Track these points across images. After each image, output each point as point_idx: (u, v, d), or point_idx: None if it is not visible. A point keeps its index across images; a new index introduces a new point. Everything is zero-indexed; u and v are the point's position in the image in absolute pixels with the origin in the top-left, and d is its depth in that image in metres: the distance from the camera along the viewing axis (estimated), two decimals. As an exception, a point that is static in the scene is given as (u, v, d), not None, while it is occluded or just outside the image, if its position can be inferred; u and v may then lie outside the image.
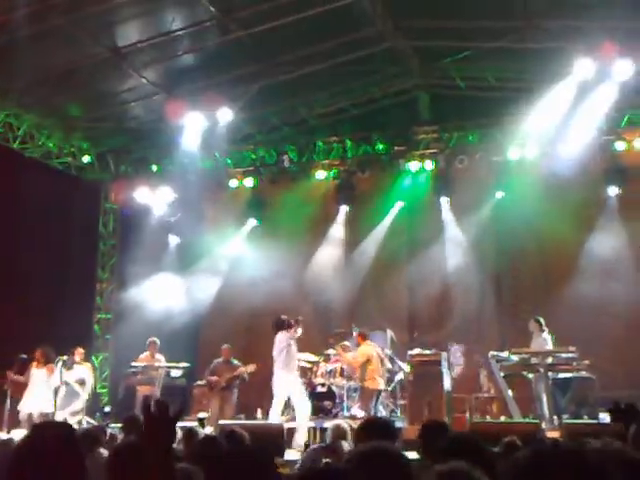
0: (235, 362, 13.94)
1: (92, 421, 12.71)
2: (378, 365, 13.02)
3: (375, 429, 4.87)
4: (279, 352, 12.18)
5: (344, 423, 7.57)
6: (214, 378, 13.64)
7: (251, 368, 13.73)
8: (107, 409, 14.45)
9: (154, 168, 17.78)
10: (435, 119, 16.44)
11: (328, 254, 16.85)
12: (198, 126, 15.13)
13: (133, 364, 14.06)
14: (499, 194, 15.71)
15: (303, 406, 12.01)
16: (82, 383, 13.00)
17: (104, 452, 7.05)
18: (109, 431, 10.50)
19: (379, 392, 13.03)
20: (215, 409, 13.32)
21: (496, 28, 13.37)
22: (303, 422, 11.81)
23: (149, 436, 2.71)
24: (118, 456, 4.13)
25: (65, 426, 3.45)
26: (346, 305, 16.09)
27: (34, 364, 12.89)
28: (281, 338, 12.26)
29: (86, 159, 17.11)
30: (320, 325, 15.37)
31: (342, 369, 13.72)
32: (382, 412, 13.12)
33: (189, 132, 15.29)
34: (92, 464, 6.88)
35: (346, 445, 6.68)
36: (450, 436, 4.45)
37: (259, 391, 15.05)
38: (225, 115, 14.90)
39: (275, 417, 11.83)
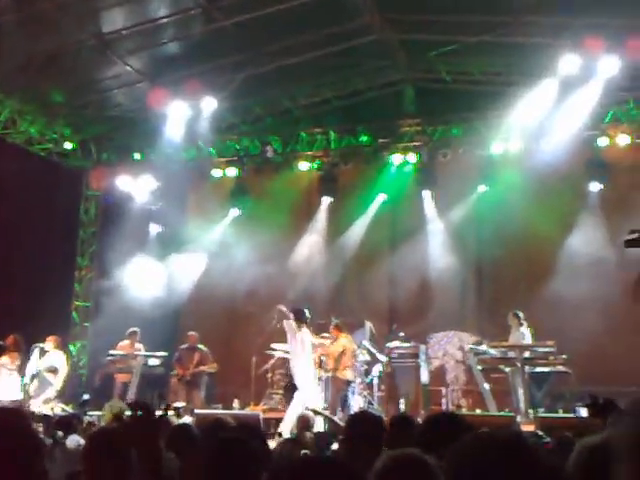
0: (200, 347, 14.01)
1: (67, 408, 12.65)
2: (351, 358, 13.01)
3: (365, 424, 4.81)
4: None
5: (310, 413, 7.60)
6: (180, 371, 13.74)
7: (212, 369, 13.84)
8: (85, 397, 14.42)
9: (137, 156, 17.70)
10: (420, 112, 16.43)
11: (310, 245, 16.84)
12: (182, 115, 15.08)
13: (111, 352, 14.05)
14: (482, 188, 15.73)
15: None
16: (54, 371, 12.95)
17: (79, 439, 7.06)
18: (87, 418, 10.49)
19: (349, 383, 13.02)
20: (183, 400, 13.36)
21: (482, 22, 13.38)
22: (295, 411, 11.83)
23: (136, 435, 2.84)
24: (93, 443, 4.12)
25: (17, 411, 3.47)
26: (327, 296, 16.09)
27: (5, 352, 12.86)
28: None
29: (68, 146, 16.96)
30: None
31: (320, 360, 13.71)
32: (360, 403, 13.11)
33: (172, 121, 15.23)
34: (65, 450, 6.88)
35: (309, 435, 6.70)
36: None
37: (237, 381, 15.09)
38: (209, 104, 14.87)
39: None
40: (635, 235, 8.48)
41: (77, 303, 17.61)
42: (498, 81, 15.36)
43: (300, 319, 12.30)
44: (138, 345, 14.32)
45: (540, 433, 6.29)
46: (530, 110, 14.44)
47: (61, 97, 15.42)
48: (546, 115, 14.48)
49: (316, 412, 8.74)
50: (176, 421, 8.62)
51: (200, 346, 14.11)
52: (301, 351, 12.13)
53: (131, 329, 14.40)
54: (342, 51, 14.52)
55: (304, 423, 7.33)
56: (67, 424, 8.05)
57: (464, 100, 15.64)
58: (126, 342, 14.32)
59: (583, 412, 8.91)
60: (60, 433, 7.44)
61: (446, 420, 4.07)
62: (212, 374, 14.46)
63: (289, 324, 12.23)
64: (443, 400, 13.60)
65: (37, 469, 2.89)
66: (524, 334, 12.77)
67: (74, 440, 7.12)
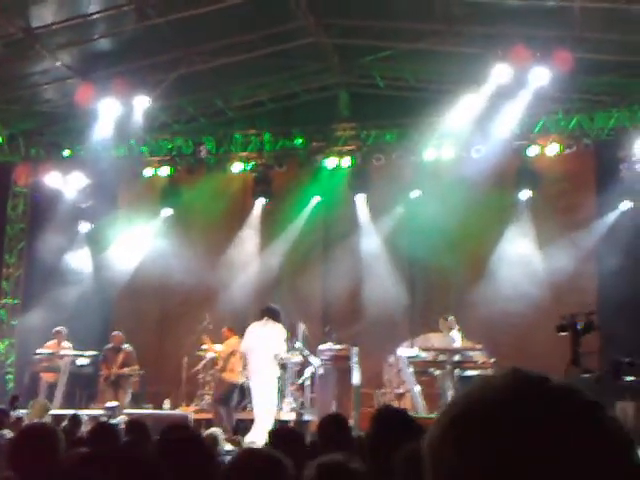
0: (125, 347, 13.81)
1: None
2: (240, 360, 12.86)
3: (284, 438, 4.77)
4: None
5: (217, 431, 7.44)
6: (106, 372, 13.54)
7: (132, 372, 13.67)
8: (15, 393, 14.12)
9: (66, 153, 17.33)
10: (354, 117, 16.51)
11: (243, 247, 16.74)
12: (113, 112, 14.78)
13: (38, 351, 13.76)
14: (415, 194, 15.86)
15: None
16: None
17: (7, 432, 7.01)
18: (15, 414, 10.32)
19: (235, 386, 12.90)
20: (111, 400, 13.14)
21: (417, 30, 13.57)
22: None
23: None
24: (21, 438, 4.07)
25: None
26: (260, 298, 16.00)
27: None
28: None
29: (-5, 141, 16.56)
30: (233, 317, 15.28)
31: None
32: (292, 405, 13.05)
33: (103, 118, 14.93)
34: None
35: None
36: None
37: (168, 381, 14.92)
38: (141, 102, 14.62)
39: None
40: (564, 321, 8.89)
41: (4, 300, 17.19)
42: (431, 88, 15.56)
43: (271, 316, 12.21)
44: (66, 344, 14.08)
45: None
46: (462, 118, 14.64)
47: (-12, 92, 15.03)
48: (478, 123, 14.71)
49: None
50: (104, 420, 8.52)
51: (125, 346, 13.89)
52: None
53: (56, 328, 14.14)
54: (277, 53, 14.48)
55: (210, 443, 7.03)
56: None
57: (398, 106, 15.80)
58: (53, 342, 14.06)
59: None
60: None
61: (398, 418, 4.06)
62: (143, 374, 14.27)
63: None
64: (375, 402, 13.65)
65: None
66: (454, 338, 12.94)
67: (3, 435, 7.09)
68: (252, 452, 2.86)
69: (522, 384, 1.04)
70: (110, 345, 13.88)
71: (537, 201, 15.30)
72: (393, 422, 3.94)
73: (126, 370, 13.68)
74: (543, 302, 14.24)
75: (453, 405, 1.08)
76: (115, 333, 14.02)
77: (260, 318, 12.24)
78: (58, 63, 14.16)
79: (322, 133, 16.52)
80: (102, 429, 5.97)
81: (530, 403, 1.01)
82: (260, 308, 12.57)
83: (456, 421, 1.04)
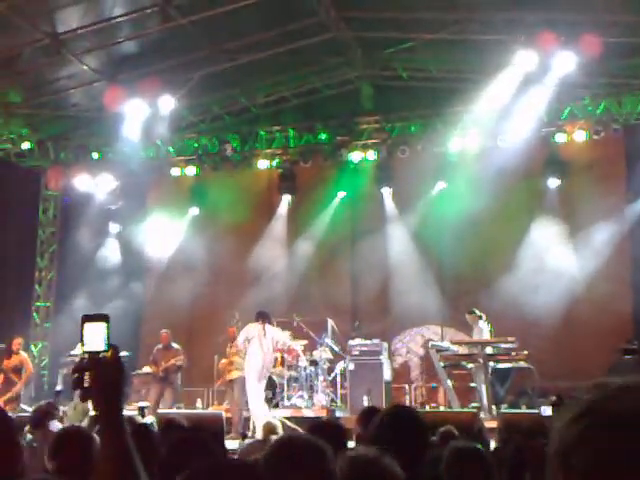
0: (174, 346, 13.90)
1: (28, 408, 12.54)
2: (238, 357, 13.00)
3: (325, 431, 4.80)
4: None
5: (274, 419, 7.63)
6: (153, 368, 13.65)
7: (179, 361, 13.72)
8: (58, 388, 14.31)
9: (95, 155, 17.52)
10: (378, 109, 16.47)
11: (270, 243, 16.82)
12: (139, 114, 14.94)
13: (71, 353, 13.92)
14: (441, 185, 15.81)
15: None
16: (18, 372, 12.92)
17: (59, 424, 7.11)
18: (61, 408, 10.50)
19: (232, 382, 13.01)
20: (152, 398, 13.25)
21: (438, 19, 13.46)
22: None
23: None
24: (61, 439, 4.14)
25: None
26: (289, 294, 16.10)
27: None
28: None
29: (26, 146, 16.73)
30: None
31: (283, 358, 13.69)
32: (323, 402, 13.11)
33: (130, 120, 15.09)
34: (44, 436, 6.92)
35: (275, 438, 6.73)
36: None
37: (199, 380, 15.05)
38: (167, 103, 14.74)
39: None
40: (633, 345, 8.78)
41: (38, 304, 17.45)
42: (455, 78, 15.47)
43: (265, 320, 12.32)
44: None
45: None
46: (487, 107, 14.52)
47: (18, 97, 15.21)
48: (503, 112, 14.58)
49: (282, 422, 8.74)
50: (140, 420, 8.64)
51: (173, 344, 13.97)
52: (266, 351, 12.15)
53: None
54: (299, 49, 14.50)
55: (269, 428, 7.38)
56: (45, 412, 8.10)
57: (421, 97, 15.73)
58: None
59: (547, 410, 9.07)
60: (29, 435, 7.45)
61: (404, 415, 4.06)
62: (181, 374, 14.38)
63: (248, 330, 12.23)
64: (406, 397, 13.68)
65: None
66: (483, 329, 12.86)
67: (56, 425, 7.16)
68: (291, 438, 2.86)
69: None
70: (160, 345, 13.93)
71: (566, 189, 15.17)
72: (394, 422, 3.93)
73: (172, 360, 13.73)
74: (574, 291, 14.16)
75: (594, 412, 1.10)
76: (163, 332, 14.02)
77: (256, 320, 12.32)
78: (84, 67, 14.30)
79: (346, 127, 16.50)
80: (139, 430, 6.03)
81: None
82: (257, 311, 12.59)
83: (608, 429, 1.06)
